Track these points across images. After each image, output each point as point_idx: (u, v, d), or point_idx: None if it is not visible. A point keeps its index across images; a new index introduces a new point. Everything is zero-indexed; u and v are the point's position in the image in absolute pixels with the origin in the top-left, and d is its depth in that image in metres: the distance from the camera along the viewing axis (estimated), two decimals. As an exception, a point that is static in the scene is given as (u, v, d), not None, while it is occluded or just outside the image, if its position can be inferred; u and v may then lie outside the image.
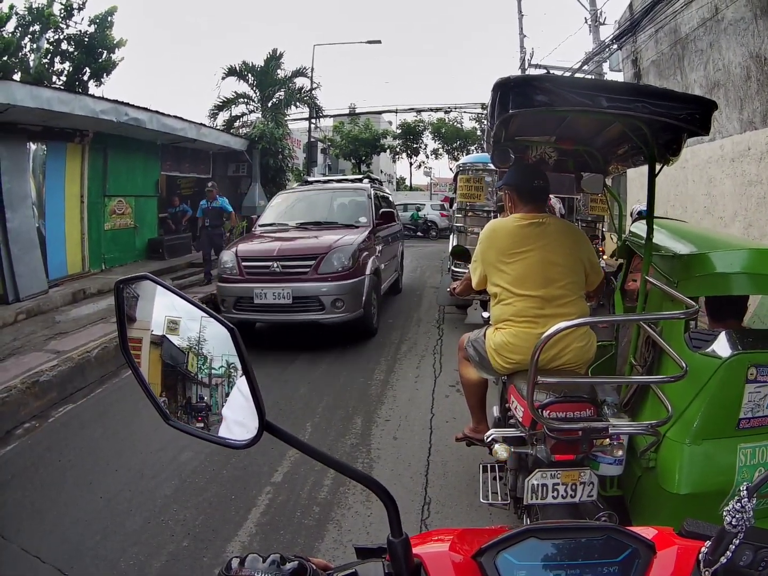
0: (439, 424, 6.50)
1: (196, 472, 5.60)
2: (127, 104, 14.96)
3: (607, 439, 3.27)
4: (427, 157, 52.55)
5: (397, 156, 53.56)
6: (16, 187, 12.32)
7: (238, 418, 1.17)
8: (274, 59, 25.74)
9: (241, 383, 1.16)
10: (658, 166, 3.78)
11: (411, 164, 53.82)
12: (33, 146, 13.50)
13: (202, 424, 1.24)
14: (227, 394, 1.20)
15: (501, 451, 3.38)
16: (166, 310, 1.23)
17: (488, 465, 4.27)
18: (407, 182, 61.57)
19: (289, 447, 4.88)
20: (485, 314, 4.88)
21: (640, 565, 1.08)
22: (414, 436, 6.22)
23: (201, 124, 20.25)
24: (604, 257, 10.30)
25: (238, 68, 25.64)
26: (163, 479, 5.49)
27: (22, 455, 6.30)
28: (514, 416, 3.65)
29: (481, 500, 3.99)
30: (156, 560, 4.24)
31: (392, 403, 7.27)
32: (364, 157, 49.41)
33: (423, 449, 5.86)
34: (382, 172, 56.31)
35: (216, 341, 1.20)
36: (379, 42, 29.20)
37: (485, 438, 3.58)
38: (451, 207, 16.51)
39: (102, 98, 14.61)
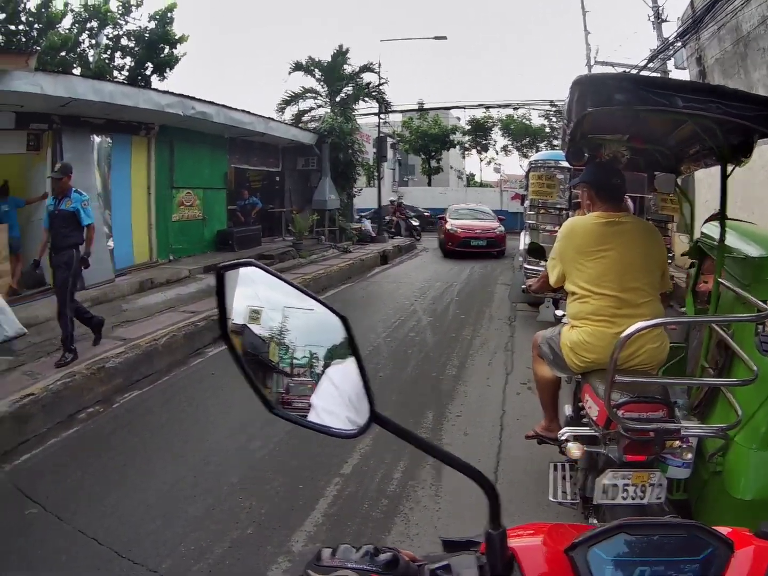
0: (510, 421, 6.48)
1: (264, 460, 5.66)
2: (193, 98, 15.15)
3: (678, 442, 3.25)
4: (497, 153, 51.99)
5: (466, 152, 53.20)
6: (81, 178, 12.45)
7: (328, 407, 1.19)
8: (341, 54, 25.92)
9: (333, 372, 1.18)
10: (729, 167, 3.73)
11: (481, 160, 53.38)
12: (97, 138, 13.71)
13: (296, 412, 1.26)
14: (309, 384, 1.21)
15: (574, 449, 3.38)
16: (248, 300, 1.24)
17: (558, 464, 4.25)
18: (477, 178, 61.08)
19: (358, 439, 4.88)
20: (558, 312, 4.86)
21: (718, 564, 1.07)
22: (484, 432, 6.20)
23: (269, 118, 20.39)
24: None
25: (304, 63, 25.88)
26: (229, 467, 5.56)
27: (83, 439, 6.44)
28: (587, 415, 3.64)
29: (551, 498, 3.98)
30: (218, 546, 4.29)
31: (463, 399, 7.28)
32: (433, 153, 49.29)
33: (493, 446, 5.85)
34: (452, 167, 56.02)
35: (298, 332, 1.21)
36: (444, 38, 28.94)
37: (559, 436, 3.59)
38: (522, 204, 16.48)
39: (167, 92, 14.84)
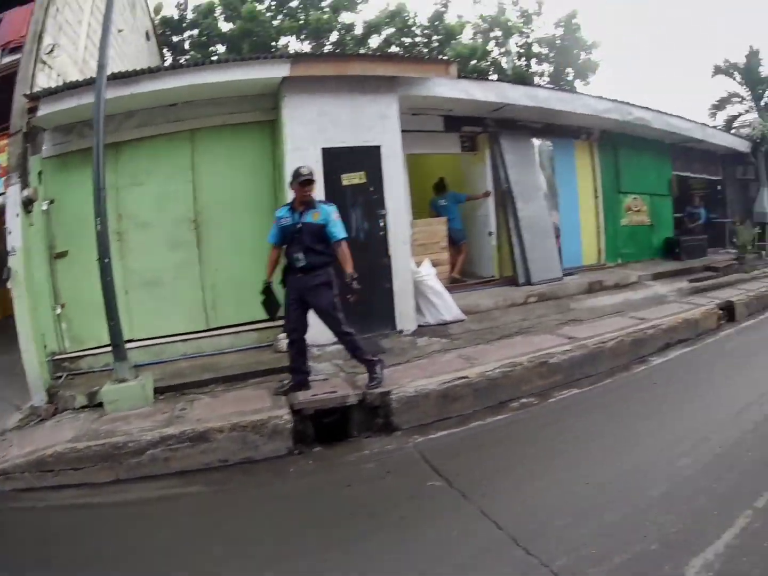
0: None
1: (689, 480, 5.43)
2: (629, 103, 15.04)
3: None
4: None
5: None
6: (524, 179, 13.29)
7: None
8: (753, 56, 24.31)
9: None
10: None
11: None
12: (537, 141, 14.29)
13: None
14: None
15: None
16: None
17: None
18: None
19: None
20: None
21: None
22: None
23: (704, 124, 19.52)
24: None
25: (723, 66, 24.69)
26: (653, 480, 5.43)
27: (510, 427, 6.77)
28: None
29: None
30: (618, 555, 4.23)
31: None
32: None
33: None
34: None
35: None
36: None
37: None
38: None
39: (602, 97, 14.86)
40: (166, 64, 17.71)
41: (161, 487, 6.29)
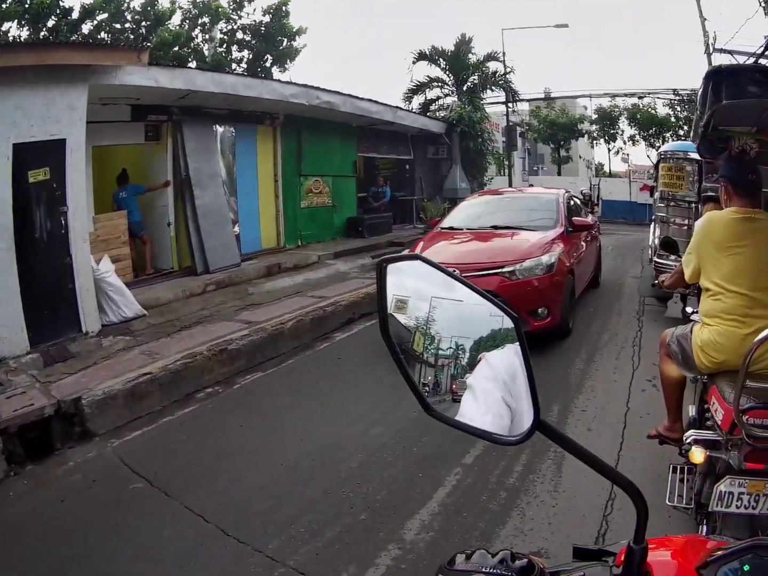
0: (634, 418, 6.20)
1: (386, 447, 5.67)
2: (318, 88, 15.35)
3: None
4: (624, 143, 50.31)
5: (594, 141, 51.99)
6: (204, 166, 13.13)
7: (484, 388, 1.20)
8: (464, 44, 25.81)
9: (492, 356, 1.19)
10: None
11: (609, 150, 51.85)
12: (220, 128, 14.27)
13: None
14: (453, 375, 1.22)
15: (698, 454, 3.25)
16: (395, 290, 1.23)
17: (677, 466, 4.05)
18: (606, 168, 59.52)
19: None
20: (688, 309, 4.70)
21: None
22: (608, 429, 5.98)
23: (396, 107, 20.53)
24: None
25: (428, 53, 25.84)
26: (349, 452, 5.60)
27: (200, 418, 6.69)
28: (711, 418, 3.47)
29: (667, 502, 3.80)
30: (329, 530, 4.33)
31: (590, 394, 7.03)
32: (562, 142, 48.39)
33: (615, 443, 5.62)
34: (581, 157, 54.70)
35: (444, 323, 1.21)
36: (566, 26, 31.48)
37: (684, 439, 3.49)
38: (651, 196, 15.74)
39: (290, 83, 15.29)
40: None
41: None
